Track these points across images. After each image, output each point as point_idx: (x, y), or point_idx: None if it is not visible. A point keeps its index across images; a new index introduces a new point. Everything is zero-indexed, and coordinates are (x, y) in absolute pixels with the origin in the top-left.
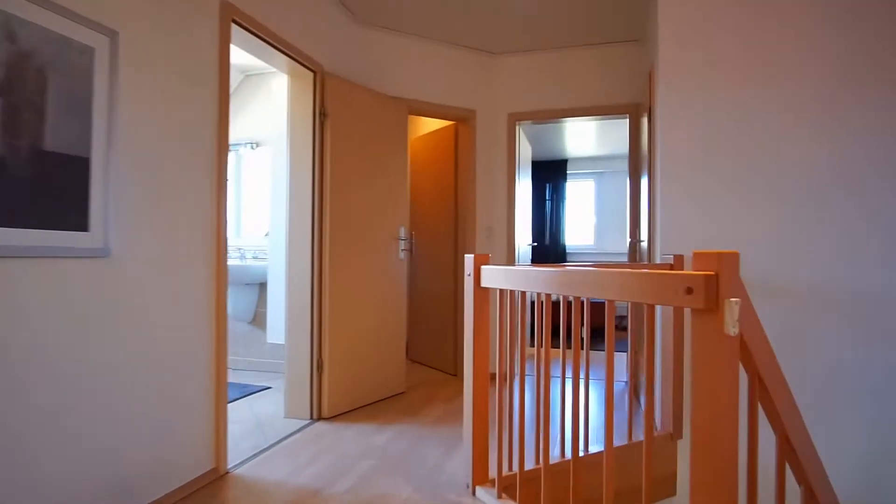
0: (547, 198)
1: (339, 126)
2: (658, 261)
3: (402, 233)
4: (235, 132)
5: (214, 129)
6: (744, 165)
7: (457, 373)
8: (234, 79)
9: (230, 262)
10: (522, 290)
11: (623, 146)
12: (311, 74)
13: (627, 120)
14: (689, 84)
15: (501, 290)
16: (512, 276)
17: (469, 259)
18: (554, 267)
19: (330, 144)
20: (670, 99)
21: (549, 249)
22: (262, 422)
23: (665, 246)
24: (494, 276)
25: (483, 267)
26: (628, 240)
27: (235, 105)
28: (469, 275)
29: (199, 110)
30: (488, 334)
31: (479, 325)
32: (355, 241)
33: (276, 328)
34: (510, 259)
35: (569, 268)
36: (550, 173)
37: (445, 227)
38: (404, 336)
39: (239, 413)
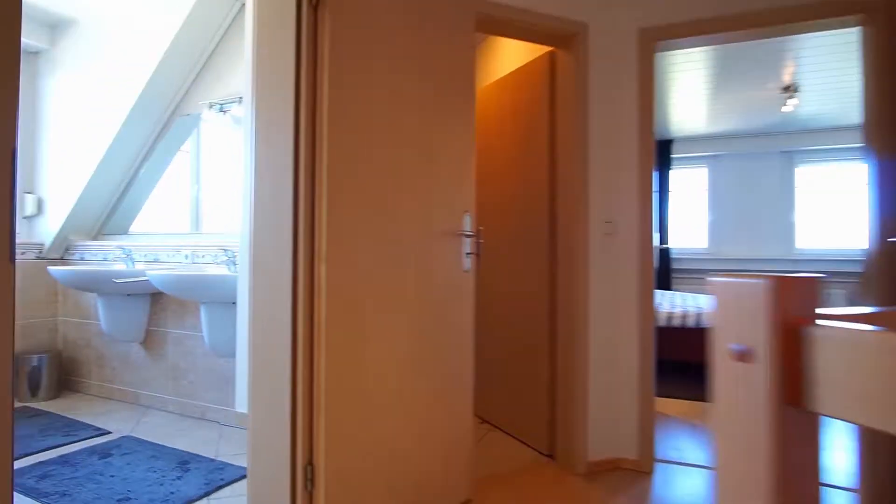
0: None
1: (347, 25)
2: None
3: (468, 225)
4: (231, 86)
5: None
6: None
7: (554, 453)
8: (227, 10)
9: (186, 269)
10: None
11: (744, 121)
12: None
13: (861, 34)
14: None
15: None
16: None
17: (761, 290)
18: None
19: (328, 57)
20: None
21: None
22: None
23: None
24: None
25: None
26: (890, 238)
27: (229, 51)
28: (745, 350)
29: None
30: None
31: None
32: (379, 236)
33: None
34: (646, 275)
35: None
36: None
37: (533, 218)
38: (470, 404)
39: None
